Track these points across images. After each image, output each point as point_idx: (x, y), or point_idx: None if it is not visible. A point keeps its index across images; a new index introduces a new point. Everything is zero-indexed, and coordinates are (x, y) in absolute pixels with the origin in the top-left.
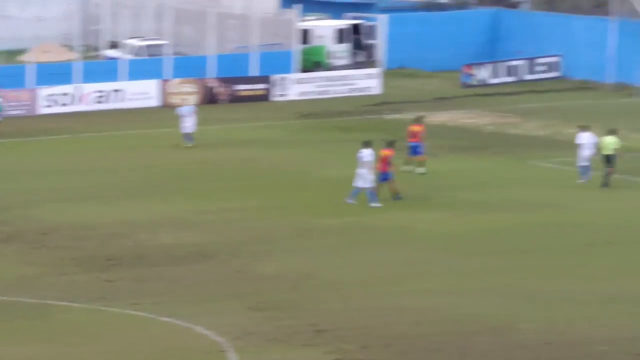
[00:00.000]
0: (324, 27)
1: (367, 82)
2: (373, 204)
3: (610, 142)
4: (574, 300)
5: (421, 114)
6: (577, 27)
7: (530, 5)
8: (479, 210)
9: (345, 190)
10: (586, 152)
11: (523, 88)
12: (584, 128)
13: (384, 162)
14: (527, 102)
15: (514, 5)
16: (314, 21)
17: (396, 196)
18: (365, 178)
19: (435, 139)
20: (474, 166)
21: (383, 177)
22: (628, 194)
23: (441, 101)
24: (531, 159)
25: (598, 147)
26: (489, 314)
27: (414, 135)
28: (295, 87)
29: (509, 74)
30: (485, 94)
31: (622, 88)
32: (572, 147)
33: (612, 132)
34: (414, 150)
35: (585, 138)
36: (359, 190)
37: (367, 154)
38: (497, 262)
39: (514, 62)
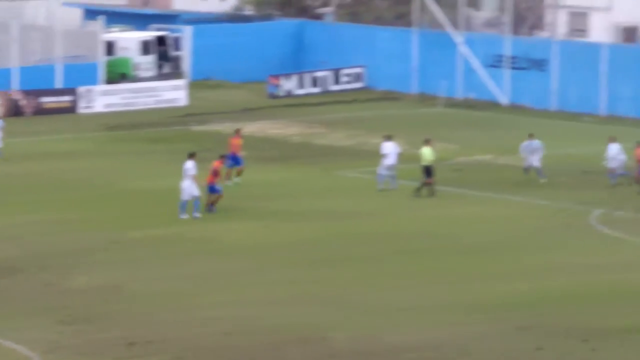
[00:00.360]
0: (129, 39)
1: (173, 93)
2: (196, 215)
3: (428, 153)
4: (382, 308)
5: (238, 126)
6: (380, 38)
7: (333, 16)
8: (288, 221)
9: (154, 202)
10: (389, 161)
11: (328, 98)
12: (388, 138)
13: (214, 174)
14: (332, 113)
15: (317, 17)
16: (119, 33)
17: (210, 208)
18: (189, 190)
19: (243, 150)
20: (282, 177)
21: (211, 188)
22: (434, 202)
23: (248, 112)
24: (338, 169)
25: (419, 158)
26: (299, 324)
27: (234, 147)
28: (101, 99)
29: (315, 85)
30: (291, 104)
31: (426, 98)
32: (378, 156)
33: (428, 142)
34: (236, 162)
35: (389, 148)
36: (186, 203)
37: (190, 165)
38: (306, 272)
39: (319, 73)
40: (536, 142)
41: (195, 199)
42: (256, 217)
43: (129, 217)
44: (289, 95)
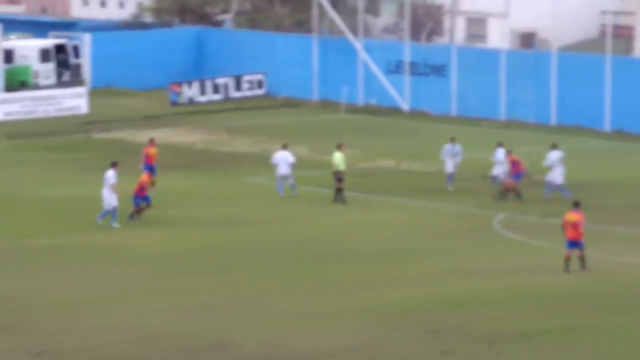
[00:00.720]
0: (28, 47)
1: (74, 101)
2: (115, 224)
3: (339, 158)
4: (287, 314)
5: (143, 134)
6: (280, 44)
7: (233, 23)
8: (192, 228)
9: (56, 210)
10: (282, 171)
11: (230, 105)
12: (284, 147)
13: (141, 186)
14: (234, 120)
15: (217, 24)
16: (17, 40)
17: (131, 217)
18: (109, 199)
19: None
20: (186, 184)
21: (136, 200)
22: (339, 208)
23: (150, 120)
24: (242, 176)
25: (327, 164)
26: (208, 330)
27: (148, 156)
28: (1, 107)
29: (216, 92)
30: (193, 111)
31: (327, 105)
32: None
33: (340, 147)
34: (152, 172)
35: (279, 157)
36: (107, 213)
37: (111, 174)
38: (213, 279)
39: (221, 80)
40: (458, 147)
41: (114, 209)
42: (161, 225)
43: (32, 226)
44: (191, 102)
